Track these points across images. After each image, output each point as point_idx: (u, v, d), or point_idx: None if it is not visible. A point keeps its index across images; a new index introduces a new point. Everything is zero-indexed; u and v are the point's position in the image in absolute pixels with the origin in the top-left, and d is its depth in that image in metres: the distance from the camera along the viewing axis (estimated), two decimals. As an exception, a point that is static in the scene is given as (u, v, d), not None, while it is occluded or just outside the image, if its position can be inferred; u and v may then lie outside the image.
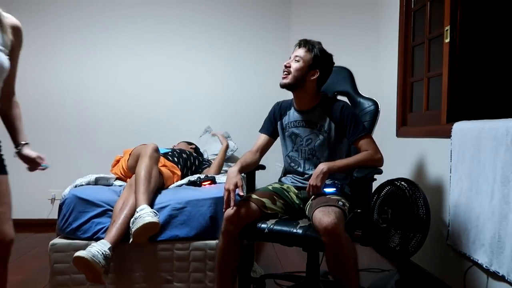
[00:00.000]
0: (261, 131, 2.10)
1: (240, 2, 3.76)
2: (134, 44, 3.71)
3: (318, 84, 1.94)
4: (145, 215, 1.91)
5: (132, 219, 1.95)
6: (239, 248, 1.77)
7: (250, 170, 2.01)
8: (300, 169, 1.97)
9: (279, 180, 2.09)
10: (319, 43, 1.94)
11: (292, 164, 2.00)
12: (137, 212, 1.94)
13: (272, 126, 2.07)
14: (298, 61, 1.88)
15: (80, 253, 1.77)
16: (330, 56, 1.95)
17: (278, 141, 2.11)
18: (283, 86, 1.92)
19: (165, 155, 2.68)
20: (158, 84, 3.75)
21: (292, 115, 2.01)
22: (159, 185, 2.27)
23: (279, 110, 2.07)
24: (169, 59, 3.74)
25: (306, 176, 1.95)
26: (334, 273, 1.64)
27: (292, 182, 1.99)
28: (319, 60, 1.89)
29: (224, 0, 3.73)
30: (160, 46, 3.73)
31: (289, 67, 1.89)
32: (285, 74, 1.90)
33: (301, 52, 1.90)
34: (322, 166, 1.76)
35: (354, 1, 3.35)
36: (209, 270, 2.04)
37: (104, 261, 1.80)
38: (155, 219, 1.92)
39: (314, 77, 1.90)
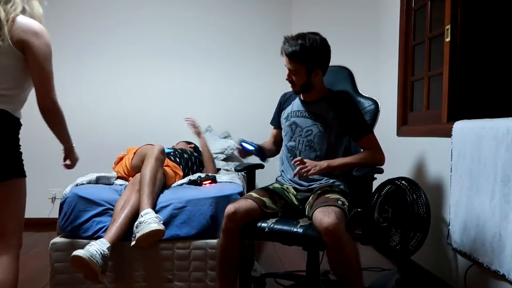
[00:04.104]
0: (272, 123, 2.18)
1: (240, 2, 3.76)
2: (134, 44, 3.71)
3: (323, 75, 1.94)
4: (151, 220, 1.89)
5: (136, 223, 1.94)
6: (239, 246, 1.77)
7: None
8: None
9: (276, 180, 2.07)
10: (302, 41, 1.78)
11: (289, 155, 1.98)
12: (142, 216, 1.93)
13: (278, 118, 2.12)
14: (294, 74, 1.86)
15: (78, 252, 1.76)
16: (322, 48, 1.82)
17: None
18: (295, 94, 2.00)
19: (168, 155, 2.67)
20: (159, 84, 3.75)
21: (296, 104, 2.01)
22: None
23: (284, 101, 2.11)
24: (170, 59, 3.74)
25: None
26: (337, 273, 1.64)
27: (290, 183, 1.98)
28: (313, 62, 1.83)
29: (225, -1, 3.75)
30: (161, 47, 3.73)
31: (291, 80, 1.90)
32: (292, 85, 1.93)
33: (290, 64, 1.84)
34: (324, 163, 1.79)
35: (354, 0, 3.35)
36: (210, 269, 2.04)
37: (102, 260, 1.79)
38: (161, 226, 1.90)
39: (318, 76, 1.89)
